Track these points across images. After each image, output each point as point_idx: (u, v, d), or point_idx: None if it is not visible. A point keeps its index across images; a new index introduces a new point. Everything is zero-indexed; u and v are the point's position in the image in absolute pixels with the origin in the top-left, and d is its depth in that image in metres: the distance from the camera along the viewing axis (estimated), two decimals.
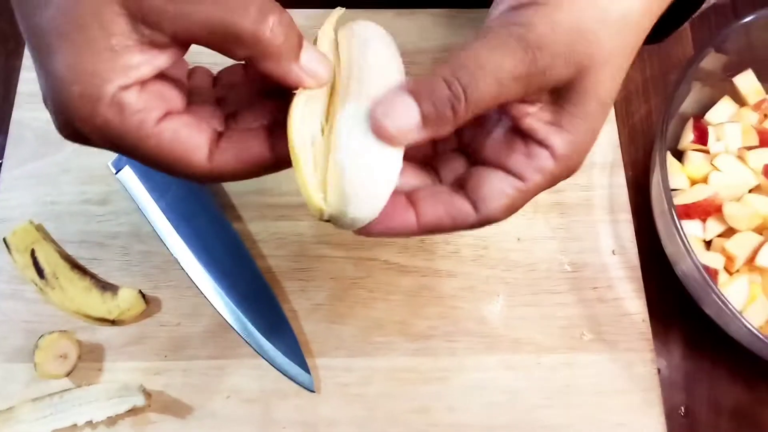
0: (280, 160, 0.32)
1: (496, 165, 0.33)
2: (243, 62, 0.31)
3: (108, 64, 0.28)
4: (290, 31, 0.30)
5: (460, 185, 0.33)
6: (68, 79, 0.28)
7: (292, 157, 0.30)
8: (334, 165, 0.29)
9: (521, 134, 0.33)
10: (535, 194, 0.33)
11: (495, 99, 0.30)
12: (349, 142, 0.29)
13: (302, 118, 0.30)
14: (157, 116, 0.30)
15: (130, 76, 0.29)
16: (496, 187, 0.32)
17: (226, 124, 0.33)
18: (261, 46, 0.29)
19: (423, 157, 0.36)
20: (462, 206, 0.32)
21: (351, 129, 0.30)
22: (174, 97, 0.31)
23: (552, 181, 0.33)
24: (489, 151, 0.34)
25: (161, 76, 0.30)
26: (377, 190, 0.30)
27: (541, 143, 0.32)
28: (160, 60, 0.29)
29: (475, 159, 0.35)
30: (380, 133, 0.29)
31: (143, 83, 0.29)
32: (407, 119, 0.29)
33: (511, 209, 0.33)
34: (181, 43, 0.29)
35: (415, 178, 0.34)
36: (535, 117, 0.32)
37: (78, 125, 0.29)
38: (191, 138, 0.31)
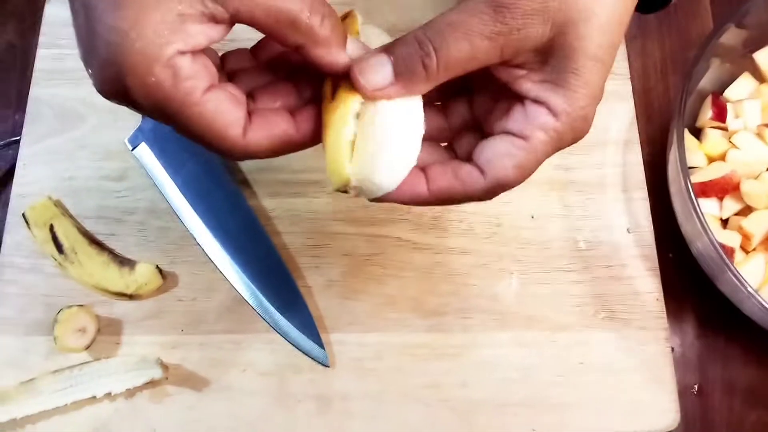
0: (306, 139, 0.34)
1: (499, 132, 0.34)
2: (250, 48, 0.34)
3: (171, 27, 0.29)
4: (338, 23, 0.32)
5: (467, 156, 0.35)
6: (131, 34, 0.29)
7: (330, 134, 0.32)
8: (365, 135, 0.32)
9: (520, 99, 0.33)
10: (545, 154, 0.34)
11: (468, 58, 0.31)
12: (376, 118, 0.32)
13: (343, 100, 0.33)
14: (204, 86, 0.31)
15: (188, 42, 0.30)
16: (499, 149, 0.33)
17: (249, 104, 0.34)
18: (314, 36, 0.31)
19: (441, 137, 0.37)
20: (470, 172, 0.34)
21: (378, 107, 0.32)
22: (214, 72, 0.32)
23: (558, 140, 0.33)
24: (493, 120, 0.35)
25: (205, 50, 0.31)
26: (402, 158, 0.33)
27: (537, 101, 0.33)
28: (214, 32, 0.30)
29: (484, 133, 0.36)
30: (358, 88, 0.32)
31: (194, 53, 0.30)
32: (381, 75, 0.32)
33: (522, 170, 0.33)
34: (238, 20, 0.30)
35: (432, 155, 0.36)
36: (526, 78, 0.33)
37: (129, 81, 0.29)
38: (231, 112, 0.32)
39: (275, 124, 0.33)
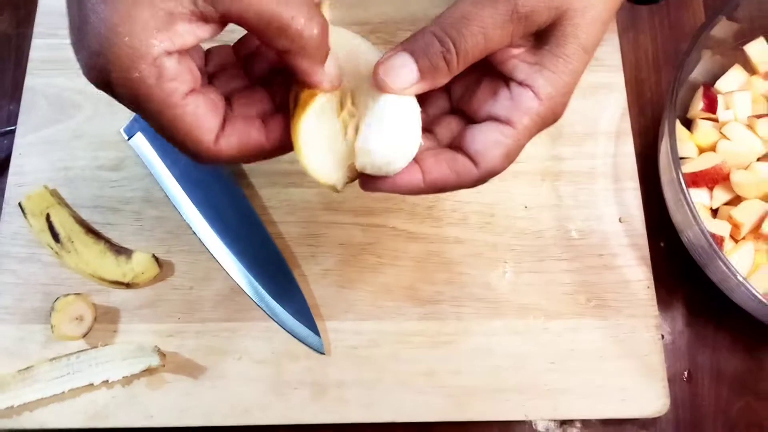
0: (275, 147, 0.35)
1: (485, 117, 0.35)
2: (232, 44, 0.34)
3: (160, 25, 0.29)
4: (325, 38, 0.32)
5: (459, 145, 0.35)
6: (121, 28, 0.29)
7: (300, 144, 0.34)
8: (374, 126, 0.34)
9: (505, 80, 0.34)
10: (528, 138, 0.35)
11: (483, 48, 0.33)
12: (386, 110, 0.34)
13: (318, 113, 0.34)
14: (186, 89, 0.31)
15: (176, 42, 0.30)
16: (489, 138, 0.34)
17: (226, 110, 0.34)
18: (301, 44, 0.31)
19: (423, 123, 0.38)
20: (464, 163, 0.35)
21: (376, 102, 0.34)
22: (197, 75, 0.32)
23: (540, 123, 0.34)
24: (477, 104, 0.35)
25: (190, 51, 0.32)
26: (410, 143, 0.34)
27: (523, 83, 0.34)
28: (203, 32, 0.31)
29: (467, 116, 0.36)
30: (385, 90, 0.33)
31: (181, 53, 0.31)
32: (407, 75, 0.33)
33: (509, 157, 0.35)
34: (228, 21, 0.30)
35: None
36: (518, 58, 0.34)
37: (114, 74, 0.30)
38: (207, 119, 0.32)
39: (247, 132, 0.34)
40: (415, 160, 0.35)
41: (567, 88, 0.34)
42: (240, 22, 0.30)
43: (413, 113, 0.34)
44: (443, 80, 0.34)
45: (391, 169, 0.34)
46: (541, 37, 0.34)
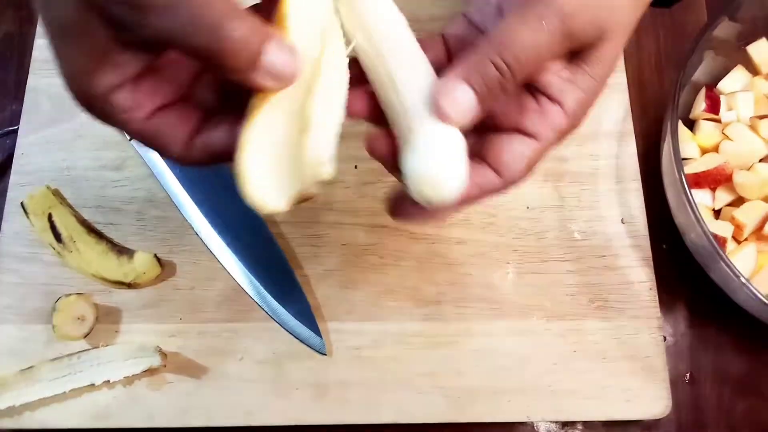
0: None
1: (510, 128, 0.34)
2: None
3: (96, 63, 0.29)
4: (249, 37, 0.29)
5: (481, 156, 0.34)
6: (68, 75, 0.29)
7: (240, 160, 0.30)
8: (413, 155, 0.32)
9: (531, 91, 0.34)
10: (549, 150, 0.34)
11: (536, 69, 0.32)
12: (418, 135, 0.32)
13: (264, 126, 0.30)
14: (146, 113, 0.31)
15: (118, 74, 0.29)
16: (516, 151, 0.34)
17: (203, 116, 0.33)
18: (217, 59, 0.28)
19: None
20: (487, 175, 0.34)
21: (414, 116, 0.32)
22: (168, 90, 0.32)
23: (561, 138, 0.34)
24: (502, 115, 0.34)
25: (157, 68, 0.31)
26: (457, 167, 0.32)
27: (553, 99, 0.33)
28: (147, 56, 0.30)
29: (488, 127, 0.35)
30: (444, 120, 0.31)
31: (136, 79, 0.30)
32: (465, 104, 0.31)
33: (531, 169, 0.35)
34: (157, 47, 0.30)
35: None
36: (553, 73, 0.33)
37: (73, 96, 0.30)
38: (173, 133, 0.32)
39: (217, 140, 0.32)
40: None
41: (590, 105, 0.34)
42: (163, 48, 0.30)
43: (460, 139, 0.32)
44: (495, 104, 0.33)
45: (448, 199, 0.32)
46: (580, 55, 0.33)
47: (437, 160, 0.31)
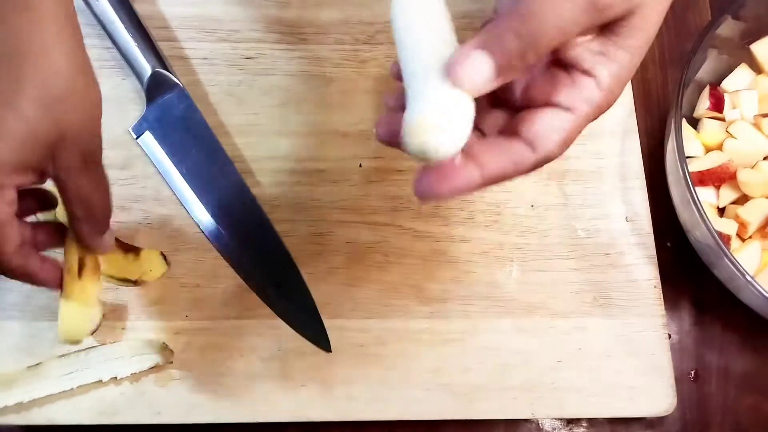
0: (45, 281, 0.42)
1: (543, 103, 0.33)
2: None
3: None
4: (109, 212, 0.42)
5: (512, 132, 0.34)
6: None
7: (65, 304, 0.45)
8: (417, 104, 0.31)
9: (564, 67, 0.33)
10: (584, 125, 0.34)
11: (559, 43, 0.31)
12: (426, 89, 0.31)
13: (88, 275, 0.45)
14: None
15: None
16: (549, 124, 0.33)
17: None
18: (92, 213, 0.41)
19: None
20: (521, 150, 0.33)
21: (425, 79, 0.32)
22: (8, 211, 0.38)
23: (597, 112, 0.33)
24: (534, 91, 0.34)
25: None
26: (464, 124, 0.31)
27: (587, 72, 0.33)
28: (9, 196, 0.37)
29: (518, 105, 0.35)
30: (458, 83, 0.31)
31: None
32: (485, 73, 0.31)
33: (567, 143, 0.34)
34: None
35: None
36: (583, 47, 0.33)
37: None
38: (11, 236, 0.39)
39: (29, 261, 0.41)
40: (469, 155, 0.32)
41: (626, 79, 0.33)
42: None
43: (468, 102, 0.32)
44: (516, 75, 0.32)
45: (441, 154, 0.31)
46: (611, 27, 0.32)
47: (438, 108, 0.31)
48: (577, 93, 0.33)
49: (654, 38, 0.34)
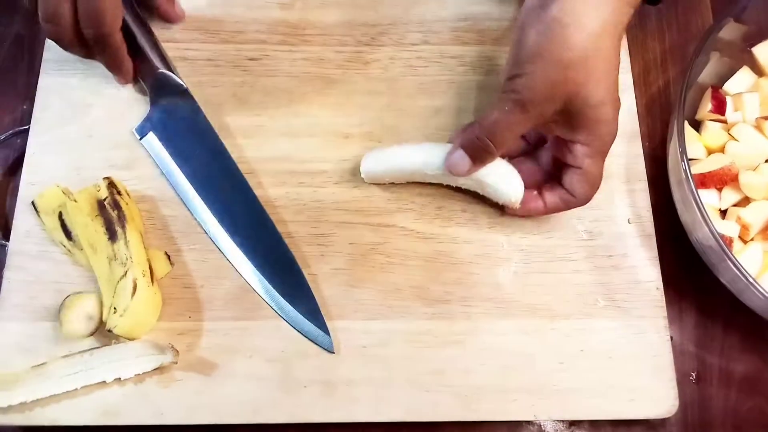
0: None
1: (568, 166, 0.50)
2: None
3: None
4: None
5: (559, 181, 0.51)
6: None
7: None
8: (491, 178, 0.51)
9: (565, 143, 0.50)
10: (599, 164, 0.49)
11: (513, 137, 0.49)
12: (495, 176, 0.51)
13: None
14: None
15: None
16: (573, 179, 0.50)
17: None
18: None
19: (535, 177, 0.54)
20: (566, 195, 0.51)
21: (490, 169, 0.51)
22: None
23: (601, 152, 0.49)
24: (562, 159, 0.50)
25: None
26: (518, 185, 0.52)
27: (572, 141, 0.49)
28: None
29: (559, 162, 0.51)
30: (451, 171, 0.51)
31: None
32: (464, 165, 0.50)
33: (591, 185, 0.50)
34: None
35: (524, 163, 0.54)
36: (556, 130, 0.49)
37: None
38: None
39: None
40: (539, 193, 0.52)
41: (605, 125, 0.47)
42: None
43: (510, 167, 0.52)
44: (489, 161, 0.50)
45: (513, 200, 0.51)
46: (562, 114, 0.46)
47: (499, 177, 0.51)
48: (574, 155, 0.49)
49: (613, 83, 0.46)
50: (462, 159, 0.49)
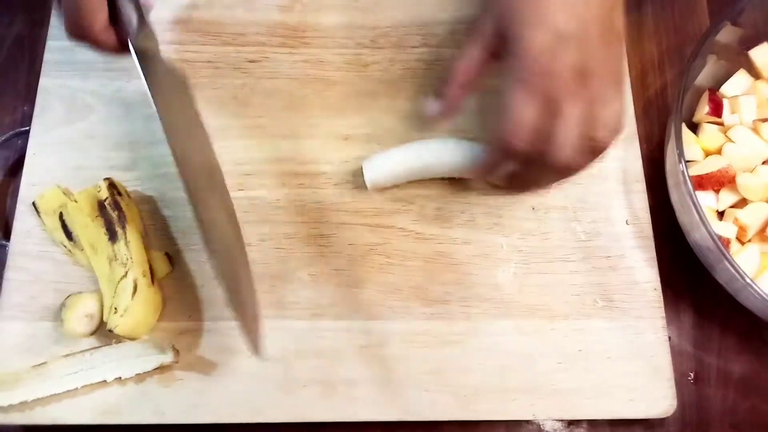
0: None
1: None
2: None
3: None
4: None
5: None
6: None
7: None
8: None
9: None
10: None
11: (465, 64, 0.47)
12: None
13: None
14: None
15: None
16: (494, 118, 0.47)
17: None
18: None
19: None
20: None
21: None
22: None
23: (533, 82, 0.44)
24: None
25: None
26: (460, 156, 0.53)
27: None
28: None
29: None
30: (429, 118, 0.50)
31: None
32: (432, 105, 0.50)
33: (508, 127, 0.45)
34: None
35: None
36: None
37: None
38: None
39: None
40: None
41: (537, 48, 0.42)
42: None
43: (459, 142, 0.54)
44: (452, 95, 0.48)
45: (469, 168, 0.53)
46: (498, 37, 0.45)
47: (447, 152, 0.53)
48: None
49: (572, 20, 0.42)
50: (435, 104, 0.49)
